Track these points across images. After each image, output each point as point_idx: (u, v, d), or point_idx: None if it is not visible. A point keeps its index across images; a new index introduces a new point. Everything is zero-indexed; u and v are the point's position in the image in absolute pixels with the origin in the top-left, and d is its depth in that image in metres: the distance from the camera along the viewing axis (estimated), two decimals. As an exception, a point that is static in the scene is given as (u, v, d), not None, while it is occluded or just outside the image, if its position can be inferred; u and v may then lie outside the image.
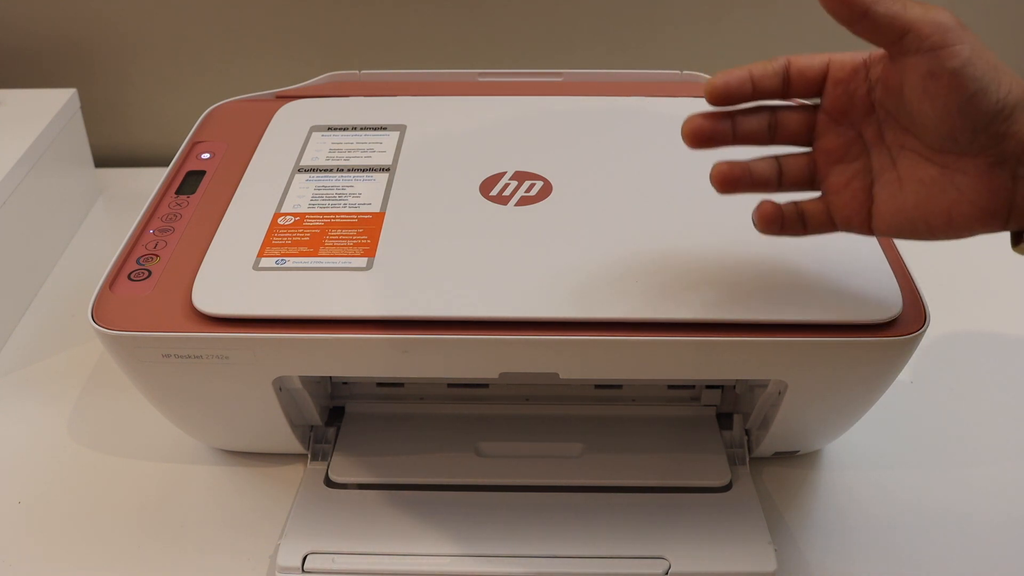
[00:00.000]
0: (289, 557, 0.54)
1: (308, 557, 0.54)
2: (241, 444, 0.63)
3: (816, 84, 0.46)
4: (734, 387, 0.62)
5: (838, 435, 0.62)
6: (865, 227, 0.47)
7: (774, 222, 0.48)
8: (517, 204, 0.58)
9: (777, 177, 0.48)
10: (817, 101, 0.47)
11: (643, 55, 0.94)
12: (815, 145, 0.48)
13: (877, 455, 0.63)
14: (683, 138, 0.46)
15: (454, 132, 0.65)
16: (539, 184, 0.59)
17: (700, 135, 0.46)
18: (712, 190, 0.59)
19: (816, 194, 0.48)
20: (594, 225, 0.56)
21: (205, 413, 0.58)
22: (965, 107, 0.41)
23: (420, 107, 0.69)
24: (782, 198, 0.48)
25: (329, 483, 0.60)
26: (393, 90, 0.72)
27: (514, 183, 0.59)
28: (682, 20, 0.92)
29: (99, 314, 0.52)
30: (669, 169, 0.61)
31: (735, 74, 0.45)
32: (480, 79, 0.74)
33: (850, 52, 0.46)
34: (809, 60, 0.46)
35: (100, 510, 0.60)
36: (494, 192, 0.59)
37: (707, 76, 0.73)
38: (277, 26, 0.92)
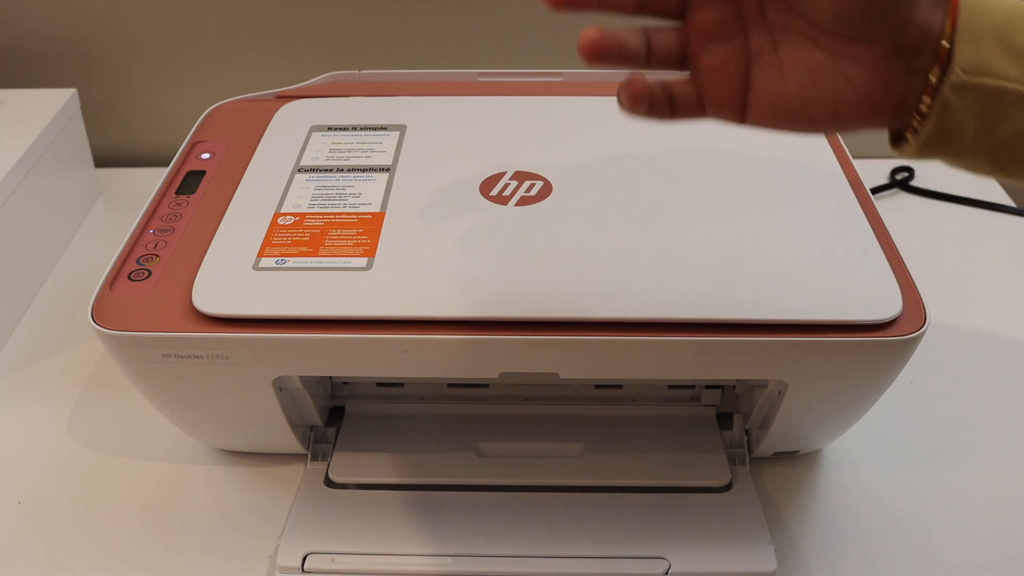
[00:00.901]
0: (289, 557, 0.54)
1: (308, 557, 0.54)
2: (241, 444, 0.63)
3: None
4: (734, 387, 0.62)
5: (838, 435, 0.62)
6: (738, 115, 0.42)
7: (642, 101, 0.42)
8: (517, 204, 0.58)
9: (645, 51, 0.43)
10: None
11: (643, 55, 0.94)
12: (688, 18, 0.43)
13: (877, 455, 0.63)
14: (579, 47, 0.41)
15: (454, 132, 0.65)
16: (539, 184, 0.59)
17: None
18: (712, 190, 0.59)
19: (685, 75, 0.43)
20: (594, 225, 0.56)
21: (205, 413, 0.58)
22: None
23: (420, 107, 0.69)
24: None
25: (329, 483, 0.60)
26: (393, 90, 0.72)
27: (514, 183, 0.59)
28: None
29: (99, 314, 0.52)
30: (669, 169, 0.61)
31: None
32: (480, 79, 0.74)
33: None
34: None
35: (100, 510, 0.60)
36: (494, 192, 0.59)
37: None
38: (277, 26, 0.92)
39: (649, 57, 0.43)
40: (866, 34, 0.39)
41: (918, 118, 0.40)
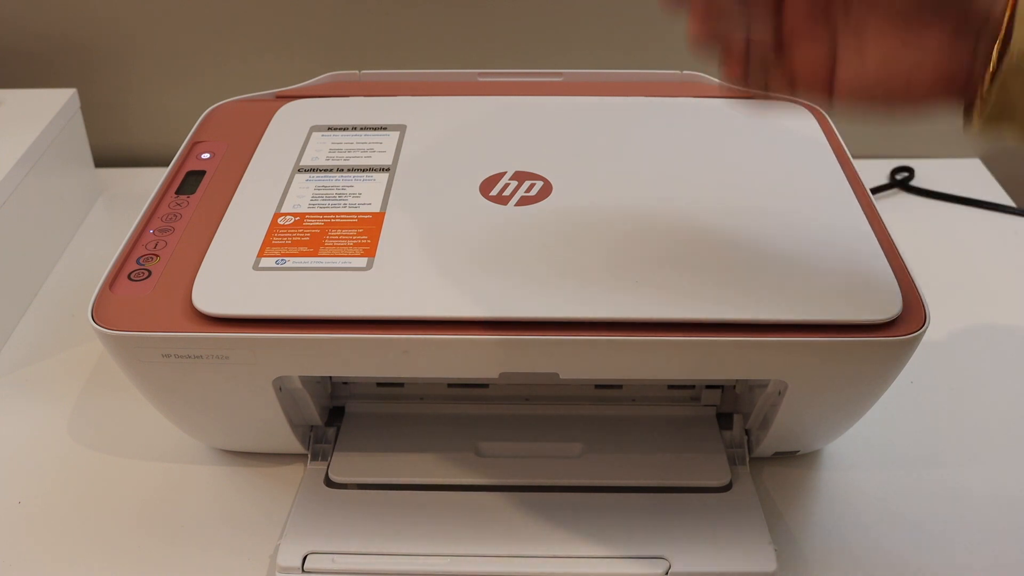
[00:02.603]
0: (289, 557, 0.54)
1: (308, 557, 0.54)
2: (241, 444, 0.63)
3: None
4: (734, 387, 0.63)
5: (838, 435, 0.62)
6: (825, 97, 0.46)
7: (740, 67, 0.47)
8: (517, 204, 0.58)
9: (745, 36, 0.47)
10: None
11: (643, 55, 0.94)
12: (783, 6, 0.46)
13: (877, 455, 0.63)
14: None
15: (454, 132, 0.65)
16: (539, 184, 0.59)
17: None
18: (712, 190, 0.59)
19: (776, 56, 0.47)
20: (594, 225, 0.56)
21: (205, 413, 0.58)
22: None
23: (420, 107, 0.69)
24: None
25: (329, 483, 0.60)
26: (393, 90, 0.72)
27: (514, 183, 0.59)
28: (682, 20, 0.92)
29: (99, 314, 0.52)
30: (669, 169, 0.61)
31: None
32: (480, 79, 0.74)
33: None
34: None
35: (100, 510, 0.60)
36: (494, 192, 0.59)
37: (707, 76, 0.74)
38: (277, 26, 0.92)
39: (748, 41, 0.47)
40: (933, 15, 0.42)
41: (981, 95, 0.43)
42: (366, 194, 0.59)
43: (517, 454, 0.61)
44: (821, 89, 0.46)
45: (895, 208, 0.89)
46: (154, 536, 0.58)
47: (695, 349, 0.50)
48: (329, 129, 0.67)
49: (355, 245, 0.55)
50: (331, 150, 0.64)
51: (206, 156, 0.65)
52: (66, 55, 0.94)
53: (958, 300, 0.77)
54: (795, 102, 0.69)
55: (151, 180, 0.64)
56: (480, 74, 0.74)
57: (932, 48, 0.43)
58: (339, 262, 0.54)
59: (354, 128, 0.67)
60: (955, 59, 0.43)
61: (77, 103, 0.86)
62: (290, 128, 0.67)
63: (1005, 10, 0.42)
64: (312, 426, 0.62)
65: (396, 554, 0.55)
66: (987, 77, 0.42)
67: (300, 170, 0.62)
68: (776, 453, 0.63)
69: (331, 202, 0.59)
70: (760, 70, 0.47)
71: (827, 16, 0.46)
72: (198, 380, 0.54)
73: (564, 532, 0.56)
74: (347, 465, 0.60)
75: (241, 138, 0.66)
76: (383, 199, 0.59)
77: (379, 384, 0.64)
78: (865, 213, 0.57)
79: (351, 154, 0.64)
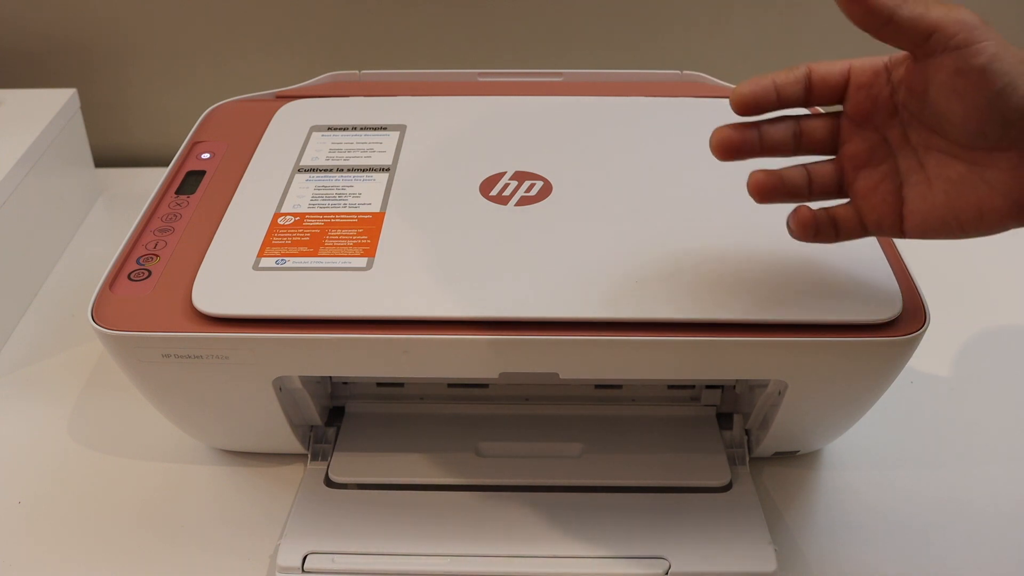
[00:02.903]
0: (289, 557, 0.54)
1: (308, 557, 0.54)
2: (241, 444, 0.63)
3: (838, 90, 0.46)
4: (734, 387, 0.63)
5: (838, 435, 0.62)
6: (896, 229, 0.47)
7: (809, 227, 0.48)
8: (517, 204, 0.58)
9: (807, 185, 0.48)
10: (839, 108, 0.48)
11: (643, 55, 0.94)
12: (840, 151, 0.48)
13: (877, 455, 0.63)
14: (712, 150, 0.47)
15: (454, 132, 0.65)
16: (539, 184, 0.59)
17: (729, 146, 0.46)
18: (712, 190, 0.59)
19: (845, 200, 0.48)
20: (594, 225, 0.56)
21: (205, 413, 0.58)
22: (994, 101, 0.41)
23: (420, 107, 0.69)
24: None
25: (329, 483, 0.60)
26: (393, 90, 0.72)
27: (514, 183, 0.59)
28: (682, 20, 0.92)
29: (99, 314, 0.52)
30: (669, 169, 0.61)
31: (760, 83, 0.45)
32: (480, 79, 0.74)
33: (870, 57, 0.46)
34: (830, 67, 0.46)
35: (100, 510, 0.60)
36: (494, 192, 0.59)
37: (707, 76, 0.74)
38: (277, 26, 0.93)
39: (811, 189, 0.48)
40: (998, 142, 0.42)
41: None
42: (366, 194, 0.59)
43: (517, 454, 0.61)
44: (891, 224, 0.46)
45: (895, 208, 0.89)
46: (154, 536, 0.58)
47: (695, 349, 0.50)
48: (329, 129, 0.67)
49: (355, 245, 0.55)
50: (331, 150, 0.64)
51: (206, 156, 0.65)
52: (66, 55, 0.94)
53: (958, 300, 0.77)
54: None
55: (151, 180, 0.64)
56: (480, 74, 0.74)
57: (1000, 172, 0.43)
58: (339, 262, 0.54)
59: (354, 128, 0.67)
60: None
61: (77, 103, 0.86)
62: (290, 128, 0.67)
63: None
64: (312, 426, 0.62)
65: (396, 554, 0.55)
66: None
67: (300, 170, 0.62)
68: (776, 453, 0.63)
69: (331, 202, 0.59)
70: (827, 218, 0.48)
71: (887, 148, 0.46)
72: (198, 380, 0.54)
73: (564, 532, 0.56)
74: (347, 465, 0.60)
75: (241, 138, 0.66)
76: (383, 199, 0.59)
77: (379, 384, 0.64)
78: (865, 213, 0.57)
79: (351, 154, 0.64)
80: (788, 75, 0.46)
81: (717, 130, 0.47)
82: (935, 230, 0.45)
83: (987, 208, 0.44)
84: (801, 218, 0.48)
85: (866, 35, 0.43)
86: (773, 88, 0.45)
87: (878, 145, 0.47)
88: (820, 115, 0.48)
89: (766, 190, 0.48)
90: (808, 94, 0.46)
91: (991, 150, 0.43)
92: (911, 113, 0.45)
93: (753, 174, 0.48)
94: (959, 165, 0.44)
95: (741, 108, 0.46)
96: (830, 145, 0.48)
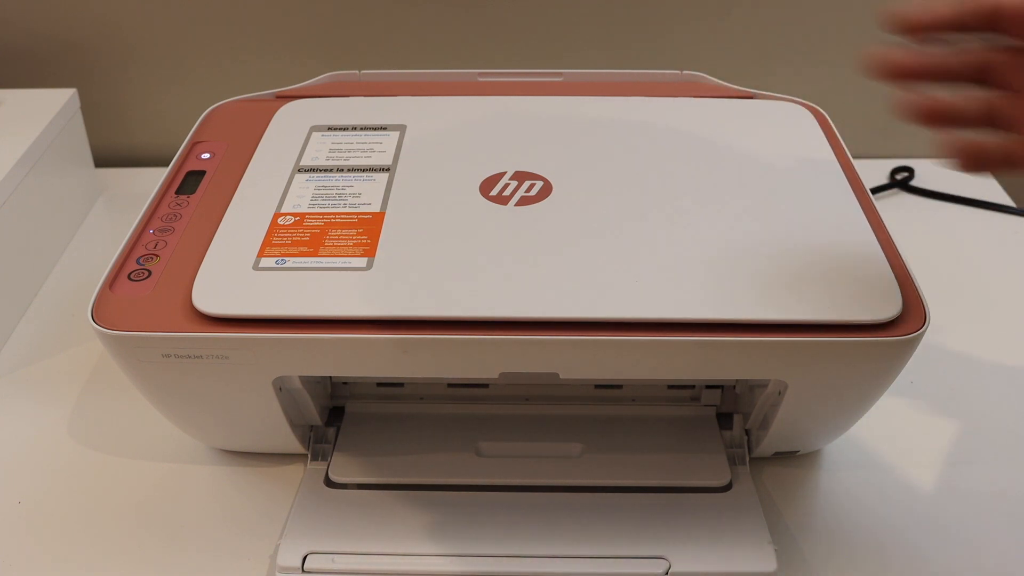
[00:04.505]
0: (289, 557, 0.54)
1: (308, 557, 0.54)
2: (241, 444, 0.63)
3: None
4: (734, 387, 0.63)
5: (838, 435, 0.62)
6: None
7: (978, 159, 0.44)
8: (517, 204, 0.58)
9: (977, 114, 0.44)
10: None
11: (643, 55, 0.94)
12: (991, 72, 0.44)
13: (877, 455, 0.63)
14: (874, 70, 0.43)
15: (454, 132, 0.65)
16: (539, 184, 0.59)
17: (897, 71, 0.43)
18: (712, 190, 0.59)
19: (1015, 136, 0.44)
20: (594, 225, 0.56)
21: (205, 413, 0.58)
22: None
23: (420, 107, 0.69)
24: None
25: (329, 483, 0.60)
26: (393, 90, 0.72)
27: (514, 183, 0.59)
28: (682, 20, 0.92)
29: (99, 314, 0.52)
30: (669, 169, 0.61)
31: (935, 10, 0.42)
32: (480, 79, 0.74)
33: None
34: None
35: (100, 510, 0.60)
36: (494, 192, 0.59)
37: (707, 76, 0.74)
38: (277, 26, 0.93)
39: (979, 118, 0.44)
40: None
41: None
42: (366, 194, 0.59)
43: (517, 454, 0.61)
44: None
45: (895, 208, 0.89)
46: (154, 536, 0.58)
47: (695, 349, 0.50)
48: (329, 129, 0.67)
49: (355, 245, 0.55)
50: (331, 150, 0.64)
51: (206, 156, 0.65)
52: (66, 55, 0.94)
53: (958, 300, 0.77)
54: (795, 101, 0.69)
55: (151, 180, 0.64)
56: (480, 74, 0.74)
57: None
58: (339, 262, 0.54)
59: (354, 128, 0.67)
60: None
61: (77, 103, 0.86)
62: (290, 128, 0.67)
63: None
64: (312, 426, 0.62)
65: (396, 554, 0.55)
66: None
67: (300, 170, 0.62)
68: (776, 453, 0.63)
69: (331, 202, 0.59)
70: (998, 151, 0.44)
71: None
72: (198, 380, 0.54)
73: (564, 532, 0.56)
74: (347, 465, 0.60)
75: (241, 138, 0.66)
76: (383, 199, 0.59)
77: (379, 384, 0.64)
78: (865, 213, 0.57)
79: (351, 154, 0.64)
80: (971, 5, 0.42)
81: (883, 52, 0.42)
82: None
83: None
84: (969, 150, 0.43)
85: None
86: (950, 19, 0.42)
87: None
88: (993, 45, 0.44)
89: (934, 115, 0.43)
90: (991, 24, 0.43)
91: None
92: None
93: (919, 102, 0.43)
94: None
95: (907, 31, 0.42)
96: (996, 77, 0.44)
